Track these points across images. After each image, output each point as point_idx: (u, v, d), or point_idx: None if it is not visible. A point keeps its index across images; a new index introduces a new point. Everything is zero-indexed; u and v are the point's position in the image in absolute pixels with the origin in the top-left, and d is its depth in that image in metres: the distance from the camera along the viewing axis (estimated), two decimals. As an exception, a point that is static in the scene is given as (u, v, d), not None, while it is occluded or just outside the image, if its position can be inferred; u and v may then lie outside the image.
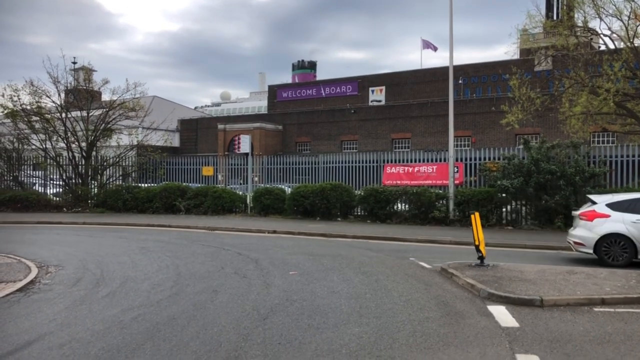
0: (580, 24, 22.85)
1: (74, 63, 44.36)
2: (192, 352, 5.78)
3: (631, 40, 20.25)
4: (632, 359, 5.72)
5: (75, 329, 6.69)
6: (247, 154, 26.33)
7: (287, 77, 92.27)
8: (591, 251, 11.88)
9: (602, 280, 9.15)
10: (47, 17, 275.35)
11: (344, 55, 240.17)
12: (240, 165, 28.10)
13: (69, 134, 26.87)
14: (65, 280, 9.78)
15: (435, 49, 52.17)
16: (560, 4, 28.85)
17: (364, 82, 56.99)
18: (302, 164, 26.09)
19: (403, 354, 5.78)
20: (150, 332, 6.50)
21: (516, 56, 25.70)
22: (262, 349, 5.88)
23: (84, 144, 27.12)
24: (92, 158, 27.69)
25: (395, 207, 20.99)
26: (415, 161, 22.68)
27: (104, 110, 27.76)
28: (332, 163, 25.40)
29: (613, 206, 11.97)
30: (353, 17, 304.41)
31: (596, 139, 35.81)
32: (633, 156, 19.57)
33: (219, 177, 28.61)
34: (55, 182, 28.28)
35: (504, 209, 19.67)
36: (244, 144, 26.14)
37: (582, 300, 7.95)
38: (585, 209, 12.54)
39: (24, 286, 9.13)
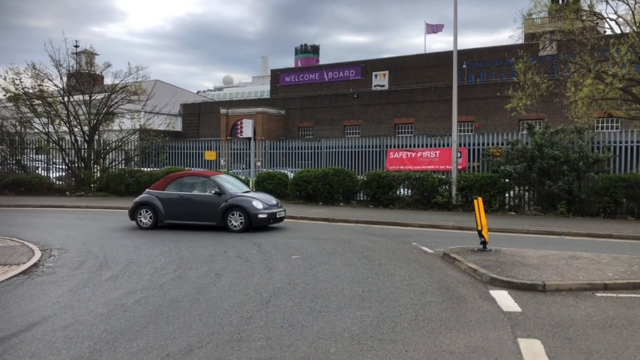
0: (586, 7, 22.59)
1: (76, 47, 44.02)
2: (195, 335, 5.81)
3: (637, 24, 19.99)
4: (634, 343, 5.72)
5: (78, 311, 6.73)
6: (249, 139, 26.19)
7: (289, 61, 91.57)
8: None
9: (604, 266, 9.14)
10: (49, 0, 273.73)
11: (347, 40, 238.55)
12: (243, 149, 28.07)
13: (71, 118, 26.84)
14: (68, 263, 9.83)
15: (441, 27, 51.14)
16: (566, -14, 28.50)
17: (367, 67, 56.56)
18: (304, 149, 26.04)
19: (405, 337, 5.79)
20: (153, 315, 6.53)
21: (521, 41, 25.51)
22: (265, 332, 5.90)
23: (86, 128, 27.09)
24: (95, 142, 27.67)
25: (398, 192, 20.94)
26: (418, 146, 22.61)
27: (106, 94, 27.68)
28: (335, 148, 25.34)
29: None
30: (357, 0, 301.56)
31: (600, 125, 35.62)
32: (638, 142, 19.46)
33: (222, 161, 28.57)
34: (57, 166, 28.29)
35: (506, 195, 19.62)
36: (247, 129, 26.01)
37: (585, 285, 7.94)
38: None
39: (28, 269, 9.18)
